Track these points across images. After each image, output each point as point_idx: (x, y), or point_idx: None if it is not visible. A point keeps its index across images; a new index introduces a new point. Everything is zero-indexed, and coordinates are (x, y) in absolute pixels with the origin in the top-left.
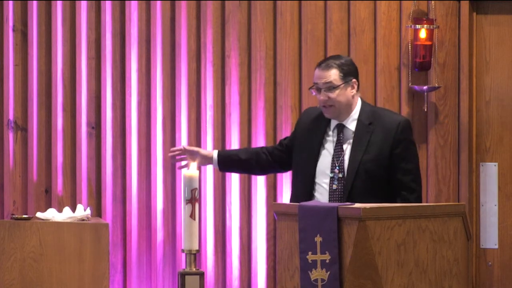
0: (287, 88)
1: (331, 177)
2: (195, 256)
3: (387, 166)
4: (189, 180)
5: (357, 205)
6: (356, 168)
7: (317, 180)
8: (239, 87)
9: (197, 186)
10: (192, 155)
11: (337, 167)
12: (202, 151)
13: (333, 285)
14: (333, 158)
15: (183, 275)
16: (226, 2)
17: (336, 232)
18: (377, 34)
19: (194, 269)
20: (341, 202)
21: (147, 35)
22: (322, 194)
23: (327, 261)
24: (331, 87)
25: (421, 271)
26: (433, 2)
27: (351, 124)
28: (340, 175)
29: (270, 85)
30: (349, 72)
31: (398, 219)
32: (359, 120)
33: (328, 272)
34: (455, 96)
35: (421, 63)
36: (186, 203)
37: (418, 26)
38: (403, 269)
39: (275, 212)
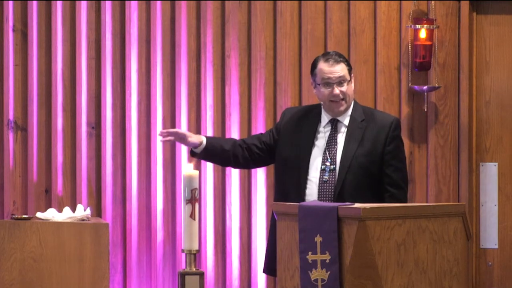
0: (287, 88)
1: (322, 169)
2: (195, 256)
3: (379, 162)
4: (189, 180)
5: (357, 205)
6: (349, 161)
7: (309, 176)
8: (239, 87)
9: (197, 186)
10: (180, 138)
11: (329, 160)
12: (191, 137)
13: (333, 285)
14: (325, 151)
15: (183, 275)
16: (226, 2)
17: (336, 232)
18: (377, 34)
19: (194, 269)
20: (331, 194)
21: (147, 35)
22: (311, 188)
23: (327, 261)
24: (344, 81)
25: (421, 271)
26: (433, 2)
27: (345, 120)
28: (332, 167)
29: (270, 85)
30: (351, 67)
31: (398, 219)
32: (352, 116)
33: (328, 272)
34: (455, 96)
35: (421, 63)
36: (186, 203)
37: (418, 26)
38: (403, 269)
39: (275, 212)
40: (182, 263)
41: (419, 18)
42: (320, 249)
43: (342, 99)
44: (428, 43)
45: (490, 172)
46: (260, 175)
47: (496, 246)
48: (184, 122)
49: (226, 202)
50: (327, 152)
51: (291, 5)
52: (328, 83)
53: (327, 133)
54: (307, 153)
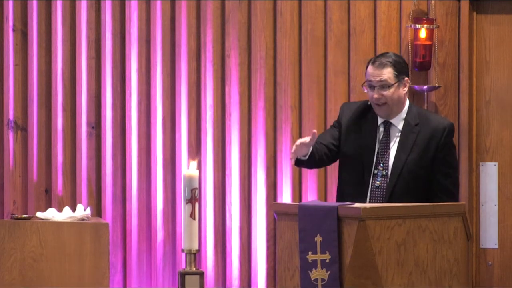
0: (287, 88)
1: (374, 174)
2: (195, 256)
3: (428, 168)
4: (189, 180)
5: (357, 205)
6: (401, 167)
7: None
8: (239, 87)
9: (197, 186)
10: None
11: (381, 164)
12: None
13: (333, 285)
14: (377, 155)
15: (183, 275)
16: (226, 2)
17: (336, 232)
18: (377, 34)
19: (194, 269)
20: (382, 199)
21: (147, 35)
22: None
23: (327, 260)
24: (386, 85)
25: (421, 271)
26: (433, 1)
27: (399, 123)
28: (384, 172)
29: (270, 85)
30: (402, 71)
31: (398, 219)
32: (406, 120)
33: (328, 272)
34: (455, 96)
35: (421, 63)
36: (186, 203)
37: (418, 26)
38: (403, 269)
39: (275, 212)
40: (182, 263)
41: (419, 18)
42: (320, 249)
43: (384, 103)
44: (428, 43)
45: (490, 172)
46: (260, 175)
47: (496, 246)
48: (184, 122)
49: (226, 202)
50: (379, 156)
51: (291, 5)
52: (371, 85)
53: (380, 135)
54: (372, 153)
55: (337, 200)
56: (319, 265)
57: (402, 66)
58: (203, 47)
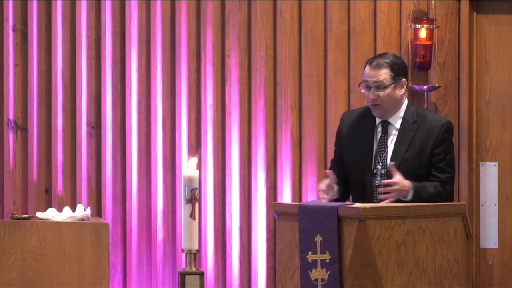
0: (287, 88)
1: (374, 173)
2: (195, 256)
3: (427, 164)
4: (189, 180)
5: (357, 205)
6: (398, 164)
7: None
8: (239, 87)
9: (197, 186)
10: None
11: (380, 164)
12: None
13: (333, 285)
14: (376, 154)
15: (183, 275)
16: (226, 2)
17: (336, 232)
18: (377, 34)
19: (194, 269)
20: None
21: (147, 35)
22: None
23: (327, 260)
24: (381, 86)
25: (421, 271)
26: (433, 2)
27: (396, 122)
28: (383, 171)
29: (270, 85)
30: (400, 72)
31: (398, 219)
32: (404, 118)
33: (328, 272)
34: (455, 96)
35: (421, 63)
36: (186, 203)
37: (418, 26)
38: (403, 269)
39: (275, 212)
40: (182, 263)
41: (419, 18)
42: (320, 249)
43: (379, 104)
44: (428, 43)
45: (490, 172)
46: (260, 175)
47: (496, 246)
48: (184, 122)
49: (226, 202)
50: (378, 156)
51: (291, 5)
52: (367, 86)
53: (378, 135)
54: (370, 154)
55: None
56: (319, 265)
57: (399, 68)
58: (203, 47)
